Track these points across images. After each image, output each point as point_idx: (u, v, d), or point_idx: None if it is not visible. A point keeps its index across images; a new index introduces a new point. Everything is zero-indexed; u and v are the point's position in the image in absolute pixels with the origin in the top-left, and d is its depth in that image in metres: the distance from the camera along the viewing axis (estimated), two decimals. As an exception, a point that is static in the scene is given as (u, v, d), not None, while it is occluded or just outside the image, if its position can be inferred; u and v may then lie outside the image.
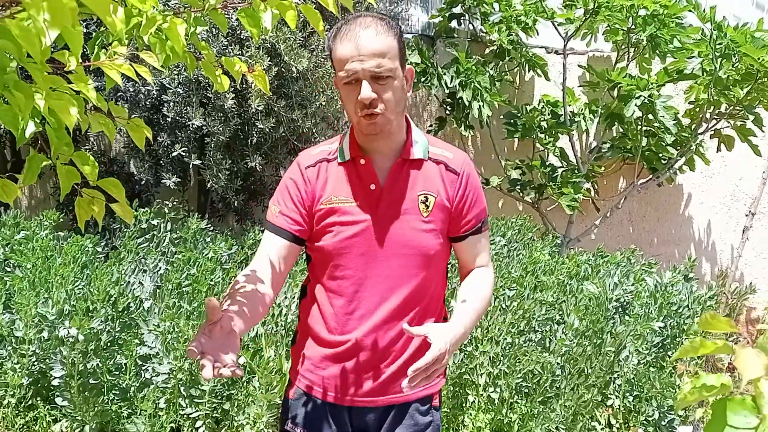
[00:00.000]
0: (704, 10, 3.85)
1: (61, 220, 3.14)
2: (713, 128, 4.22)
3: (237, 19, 3.01)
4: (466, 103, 3.88)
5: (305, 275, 1.58)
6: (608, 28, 4.02)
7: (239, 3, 1.00)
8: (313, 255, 1.38)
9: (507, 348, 2.70)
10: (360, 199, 1.31)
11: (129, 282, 2.75)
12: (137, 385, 2.47)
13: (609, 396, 2.90)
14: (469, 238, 1.39)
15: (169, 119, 3.16)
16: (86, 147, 3.37)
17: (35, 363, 2.54)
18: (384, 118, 1.27)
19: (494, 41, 4.04)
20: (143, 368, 2.49)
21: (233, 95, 3.11)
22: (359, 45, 1.22)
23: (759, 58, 3.63)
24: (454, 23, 4.21)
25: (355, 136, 1.35)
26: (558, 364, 2.74)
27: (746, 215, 4.76)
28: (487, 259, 1.44)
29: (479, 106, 3.87)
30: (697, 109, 4.21)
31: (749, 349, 0.54)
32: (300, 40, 3.21)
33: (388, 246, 1.32)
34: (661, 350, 3.01)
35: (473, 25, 4.21)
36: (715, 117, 4.15)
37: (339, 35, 1.26)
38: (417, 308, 1.35)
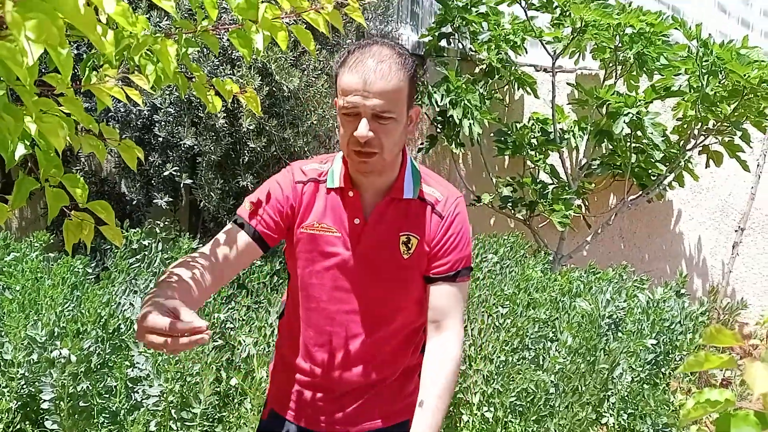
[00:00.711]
0: (690, 28, 3.91)
1: (52, 241, 3.12)
2: (701, 144, 4.27)
3: (228, 39, 3.03)
4: (457, 121, 3.90)
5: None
6: (596, 46, 4.07)
7: (230, 25, 1.00)
8: (290, 276, 1.35)
9: (501, 366, 2.69)
10: (343, 231, 1.26)
11: (120, 303, 2.73)
12: (127, 407, 2.44)
13: (603, 414, 2.89)
14: (441, 284, 1.28)
15: (160, 139, 3.16)
16: (77, 167, 3.36)
17: (24, 386, 2.51)
18: (378, 158, 1.21)
19: (484, 60, 4.08)
20: (133, 390, 2.46)
21: (224, 115, 3.11)
22: (367, 80, 1.15)
23: (745, 75, 3.68)
24: (443, 42, 4.24)
25: (349, 167, 1.29)
26: (552, 382, 2.73)
27: (736, 231, 4.79)
28: (457, 320, 1.28)
29: (470, 124, 3.89)
30: (685, 126, 4.25)
31: (759, 363, 0.54)
32: (291, 59, 3.22)
33: (364, 284, 1.27)
34: (655, 367, 3.01)
35: (463, 44, 4.25)
36: (703, 133, 4.19)
37: (349, 62, 1.19)
38: (388, 349, 1.32)
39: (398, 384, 1.36)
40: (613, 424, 2.88)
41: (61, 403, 2.33)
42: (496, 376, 2.67)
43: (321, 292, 1.28)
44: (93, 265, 3.06)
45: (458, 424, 2.72)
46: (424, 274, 1.30)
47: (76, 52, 2.98)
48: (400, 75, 1.19)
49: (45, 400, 2.36)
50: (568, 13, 3.87)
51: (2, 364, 2.50)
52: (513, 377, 2.68)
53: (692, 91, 3.91)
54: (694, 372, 3.16)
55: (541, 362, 2.83)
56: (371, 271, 1.27)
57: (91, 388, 2.38)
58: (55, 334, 2.42)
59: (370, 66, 1.16)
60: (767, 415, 0.50)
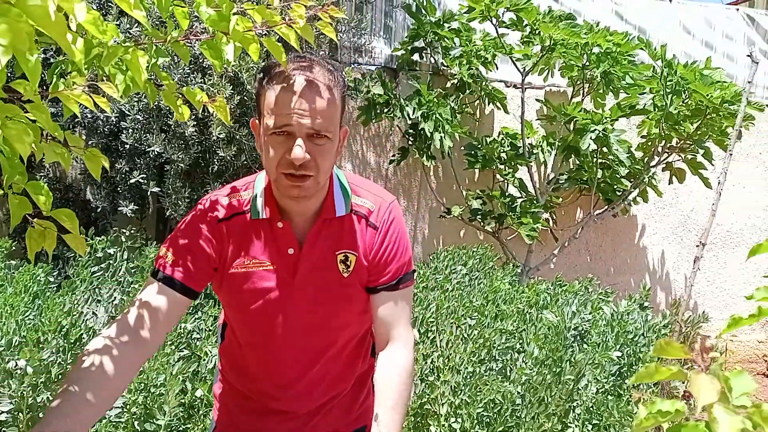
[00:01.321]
0: (655, 49, 4.02)
1: (14, 248, 3.05)
2: (665, 161, 4.37)
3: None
4: (428, 134, 3.94)
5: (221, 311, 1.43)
6: (564, 64, 4.15)
7: (202, 33, 1.00)
8: (225, 309, 1.29)
9: (468, 377, 2.70)
10: (276, 263, 1.19)
11: (82, 312, 2.67)
12: (89, 419, 2.39)
13: (569, 425, 2.93)
14: (383, 293, 1.23)
15: (127, 146, 3.12)
16: (41, 174, 3.29)
17: (-20, 397, 2.43)
18: (312, 182, 1.11)
19: (455, 75, 4.13)
20: (95, 402, 2.41)
21: (194, 123, 3.09)
22: (302, 98, 1.06)
23: (707, 95, 3.79)
24: (416, 56, 4.29)
25: (272, 194, 1.19)
26: (518, 393, 2.76)
27: (697, 246, 4.91)
28: (405, 327, 1.24)
29: (441, 137, 3.93)
30: (650, 143, 4.36)
31: (703, 375, 0.55)
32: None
33: (306, 310, 1.21)
34: (619, 379, 3.06)
35: (435, 59, 4.30)
36: (667, 150, 4.30)
37: (278, 78, 1.09)
38: (339, 365, 1.29)
39: (352, 394, 1.34)
40: (578, 435, 2.91)
41: (20, 414, 2.27)
42: (463, 387, 2.68)
43: (262, 325, 1.21)
44: (56, 273, 3.00)
45: (406, 415, 2.72)
46: (366, 286, 1.25)
47: (44, 56, 2.93)
48: (336, 93, 1.12)
49: (3, 412, 2.30)
50: (537, 32, 3.94)
51: (-42, 374, 2.43)
52: (480, 388, 2.70)
53: (656, 109, 4.01)
54: (658, 383, 3.22)
55: (508, 373, 2.85)
56: (312, 297, 1.21)
57: (51, 399, 2.32)
58: (15, 343, 2.36)
59: (303, 83, 1.08)
60: (712, 425, 0.52)
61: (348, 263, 1.21)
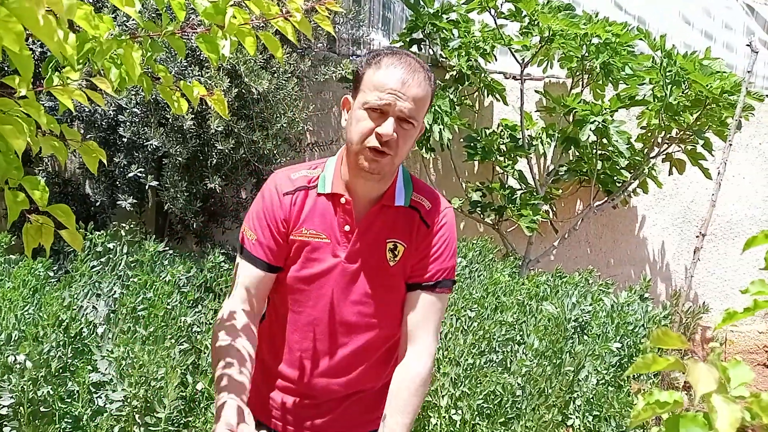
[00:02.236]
0: (655, 39, 4.00)
1: (13, 242, 3.05)
2: (665, 152, 4.36)
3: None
4: (428, 127, 3.93)
5: None
6: (563, 55, 4.14)
7: (198, 26, 0.99)
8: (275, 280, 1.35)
9: (468, 369, 2.71)
10: (332, 237, 1.27)
11: (82, 306, 2.67)
12: (90, 413, 2.40)
13: (569, 416, 2.93)
14: (419, 293, 1.28)
15: (125, 140, 3.11)
16: (39, 168, 3.29)
17: (-19, 392, 2.44)
18: (389, 160, 1.21)
19: (454, 66, 4.11)
20: (96, 395, 2.42)
21: (192, 116, 3.08)
22: (405, 83, 1.18)
23: (707, 85, 3.78)
24: (414, 48, 4.27)
25: (342, 172, 1.28)
26: (519, 384, 2.76)
27: (697, 236, 4.91)
28: (429, 332, 1.27)
29: (440, 129, 3.92)
30: (649, 134, 4.35)
31: (702, 364, 0.55)
32: (261, 62, 3.21)
33: (350, 291, 1.27)
34: (619, 370, 3.06)
35: (433, 50, 4.28)
36: (667, 141, 4.29)
37: (384, 62, 1.21)
38: (371, 359, 1.33)
39: (377, 396, 1.36)
40: (579, 425, 2.92)
41: (21, 408, 2.28)
42: (463, 379, 2.69)
43: (307, 297, 1.28)
44: (56, 268, 3.00)
45: (426, 427, 2.73)
46: (406, 281, 1.30)
47: (40, 50, 2.92)
48: (428, 87, 1.23)
49: (4, 406, 2.30)
50: (536, 23, 3.92)
51: (-41, 369, 2.43)
52: (480, 380, 2.70)
53: (656, 100, 4.00)
54: (658, 374, 3.23)
55: (508, 365, 2.86)
56: (357, 279, 1.27)
57: (52, 393, 2.33)
58: (15, 338, 2.36)
59: (405, 70, 1.19)
60: (711, 414, 0.52)
61: (396, 252, 1.27)
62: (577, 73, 4.22)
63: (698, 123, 4.07)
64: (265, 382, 1.37)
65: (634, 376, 3.02)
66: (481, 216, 4.30)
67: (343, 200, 1.26)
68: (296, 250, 1.27)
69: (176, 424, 2.43)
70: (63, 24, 0.61)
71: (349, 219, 1.26)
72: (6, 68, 2.76)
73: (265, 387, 1.36)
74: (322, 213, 1.27)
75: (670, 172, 4.51)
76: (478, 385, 2.69)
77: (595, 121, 3.97)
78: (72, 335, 2.41)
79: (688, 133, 4.19)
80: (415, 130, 1.23)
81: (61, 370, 2.38)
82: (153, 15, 2.97)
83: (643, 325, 3.22)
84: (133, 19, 2.89)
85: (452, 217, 1.34)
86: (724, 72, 3.89)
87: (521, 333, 2.98)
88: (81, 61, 0.81)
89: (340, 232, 1.26)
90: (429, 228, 1.29)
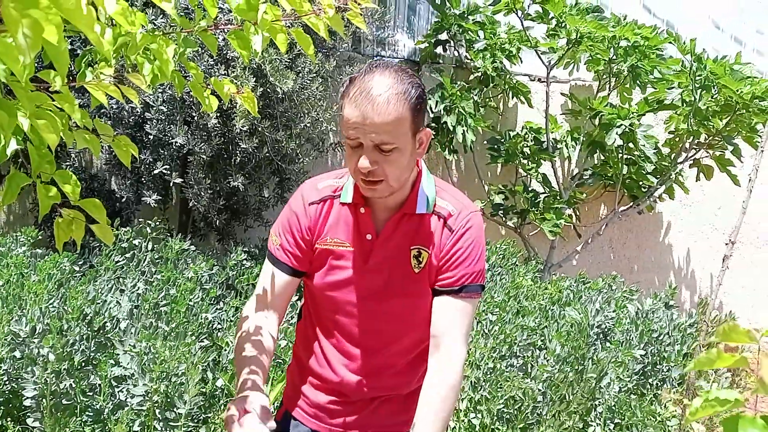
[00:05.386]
0: (684, 43, 3.94)
1: (40, 237, 3.09)
2: (692, 158, 4.29)
3: (224, 39, 3.01)
4: (451, 128, 3.91)
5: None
6: (590, 57, 4.09)
7: (227, 24, 0.99)
8: (305, 284, 1.38)
9: (488, 373, 2.68)
10: (355, 246, 1.28)
11: (105, 301, 2.70)
12: (111, 407, 2.42)
13: (590, 423, 2.89)
14: (444, 297, 1.26)
15: (151, 137, 3.13)
16: (67, 163, 3.33)
17: (6, 382, 2.47)
18: (384, 185, 1.21)
19: (479, 68, 4.09)
20: (118, 389, 2.44)
21: (217, 114, 3.09)
22: (366, 115, 1.14)
23: (737, 90, 3.71)
24: (439, 49, 4.25)
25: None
26: (539, 390, 2.73)
27: (726, 244, 4.82)
28: (457, 338, 1.24)
29: (463, 131, 3.89)
30: (677, 139, 4.28)
31: None
32: (286, 61, 3.21)
33: (376, 298, 1.28)
34: (642, 378, 3.02)
35: (458, 52, 4.26)
36: (695, 147, 4.22)
37: (350, 93, 1.17)
38: (403, 363, 1.34)
39: (410, 399, 1.36)
40: (599, 434, 2.88)
41: (44, 400, 2.30)
42: (483, 383, 2.66)
43: (334, 304, 1.30)
44: (81, 262, 3.03)
45: (445, 430, 2.71)
46: (431, 287, 1.29)
47: (70, 47, 2.95)
48: (399, 107, 1.17)
49: (27, 398, 2.33)
50: (563, 25, 3.88)
51: (-15, 360, 2.47)
52: (501, 384, 2.67)
53: (685, 104, 3.93)
54: (682, 383, 3.17)
55: (529, 370, 2.82)
56: (383, 286, 1.28)
57: (74, 386, 2.35)
58: (39, 330, 2.39)
59: (368, 99, 1.15)
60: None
61: (420, 259, 1.27)
62: (604, 76, 4.17)
63: (727, 129, 4.00)
64: (300, 376, 1.40)
65: (658, 384, 2.97)
66: (504, 219, 4.26)
67: (362, 210, 1.29)
68: (322, 257, 1.30)
69: (196, 420, 2.44)
70: (101, 18, 0.61)
71: (370, 228, 1.29)
72: (38, 65, 2.79)
73: (300, 382, 1.40)
74: (346, 222, 1.29)
75: (698, 178, 4.44)
76: (499, 390, 2.67)
77: (621, 125, 3.92)
78: (95, 329, 2.43)
79: (716, 138, 4.12)
80: (401, 150, 1.19)
81: (83, 364, 2.41)
82: (182, 12, 3.00)
83: (668, 333, 3.17)
84: (163, 17, 2.91)
85: (479, 221, 1.32)
86: (755, 77, 3.82)
87: (543, 338, 2.94)
88: (115, 56, 0.81)
89: (362, 240, 1.29)
90: (453, 233, 1.28)
